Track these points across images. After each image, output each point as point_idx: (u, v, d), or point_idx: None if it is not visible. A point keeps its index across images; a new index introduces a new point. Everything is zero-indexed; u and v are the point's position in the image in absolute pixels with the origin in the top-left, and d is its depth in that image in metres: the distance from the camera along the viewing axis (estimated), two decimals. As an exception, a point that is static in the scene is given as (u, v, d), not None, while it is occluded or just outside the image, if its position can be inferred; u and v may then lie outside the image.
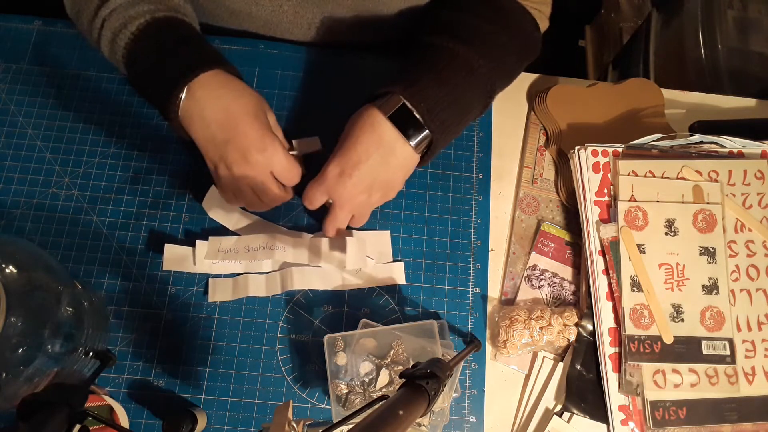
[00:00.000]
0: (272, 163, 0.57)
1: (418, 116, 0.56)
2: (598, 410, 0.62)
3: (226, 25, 0.73)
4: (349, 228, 0.65)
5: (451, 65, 0.58)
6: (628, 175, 0.66)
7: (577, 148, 0.67)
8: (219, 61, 0.57)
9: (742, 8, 1.11)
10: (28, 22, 0.74)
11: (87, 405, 0.49)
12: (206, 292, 0.64)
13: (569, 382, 0.63)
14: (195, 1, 0.68)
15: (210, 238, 0.65)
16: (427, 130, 0.56)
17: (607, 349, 0.63)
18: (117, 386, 0.61)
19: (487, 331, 0.65)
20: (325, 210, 0.62)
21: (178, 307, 0.64)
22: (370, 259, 0.66)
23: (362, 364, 0.58)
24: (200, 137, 0.56)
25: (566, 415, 0.62)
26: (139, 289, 0.64)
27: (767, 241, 0.66)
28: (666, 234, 0.65)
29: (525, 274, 0.68)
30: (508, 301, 0.67)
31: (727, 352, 0.62)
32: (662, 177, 0.67)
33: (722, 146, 0.68)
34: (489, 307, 0.66)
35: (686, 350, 0.62)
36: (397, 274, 0.66)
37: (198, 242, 0.65)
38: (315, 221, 0.68)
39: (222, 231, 0.66)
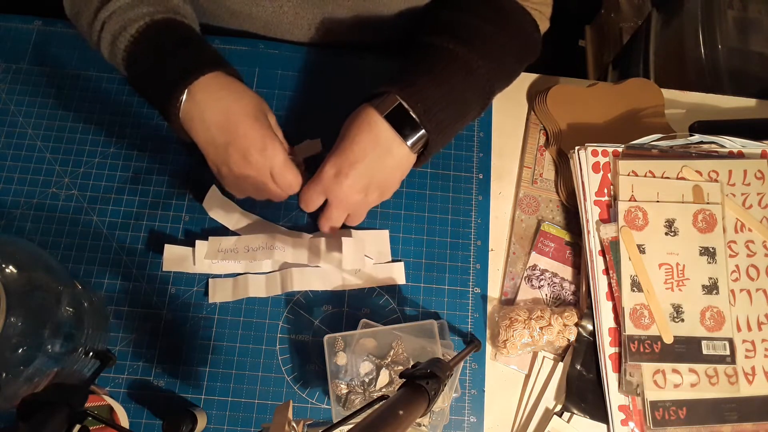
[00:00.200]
0: (272, 164, 0.57)
1: (414, 116, 0.56)
2: (598, 410, 0.62)
3: (227, 26, 0.73)
4: (347, 227, 0.65)
5: (450, 66, 0.58)
6: (628, 175, 0.66)
7: (577, 148, 0.67)
8: (219, 63, 0.57)
9: (742, 8, 1.11)
10: (28, 22, 0.74)
11: (87, 405, 0.49)
12: (206, 292, 0.64)
13: (569, 382, 0.63)
14: (195, 1, 0.68)
15: (210, 238, 0.65)
16: (423, 130, 0.56)
17: (607, 349, 0.63)
18: (117, 386, 0.61)
19: (487, 331, 0.65)
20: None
21: (178, 307, 0.64)
22: (369, 259, 0.66)
23: (362, 364, 0.58)
24: (201, 140, 0.56)
25: (566, 415, 0.62)
26: (139, 289, 0.64)
27: (767, 241, 0.66)
28: (666, 234, 0.65)
29: (525, 274, 0.68)
30: (508, 301, 0.67)
31: (727, 352, 0.62)
32: (662, 177, 0.67)
33: (722, 146, 0.68)
34: (489, 307, 0.66)
35: (686, 350, 0.62)
36: (397, 274, 0.66)
37: (198, 242, 0.65)
38: (315, 221, 0.68)
39: (222, 231, 0.66)
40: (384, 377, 0.58)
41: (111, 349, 0.62)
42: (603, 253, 0.65)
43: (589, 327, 0.64)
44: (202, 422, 0.58)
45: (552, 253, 0.68)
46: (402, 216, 0.69)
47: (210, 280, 0.64)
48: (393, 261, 0.67)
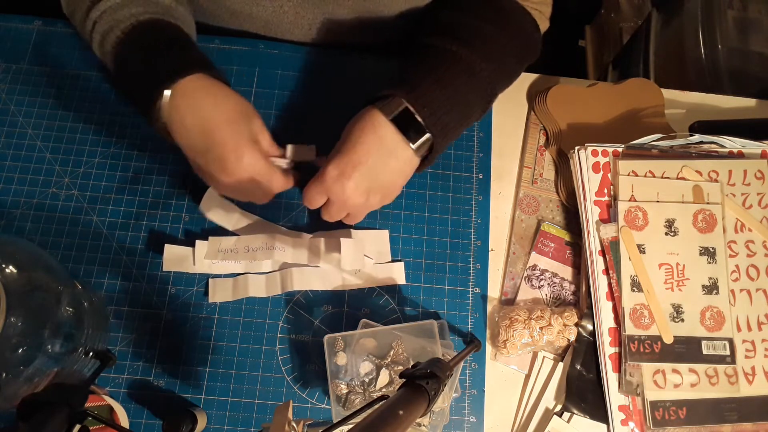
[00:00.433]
0: (252, 171, 0.56)
1: (420, 120, 0.55)
2: (598, 410, 0.62)
3: (227, 26, 0.73)
4: (347, 227, 0.65)
5: (453, 68, 0.58)
6: (628, 175, 0.66)
7: (577, 148, 0.67)
8: (202, 65, 0.56)
9: (742, 8, 1.11)
10: (28, 22, 0.74)
11: (87, 405, 0.49)
12: (206, 292, 0.64)
13: (569, 382, 0.63)
14: (195, 1, 0.68)
15: (210, 238, 0.65)
16: (428, 134, 0.56)
17: (607, 349, 0.63)
18: (117, 386, 0.61)
19: (487, 331, 0.66)
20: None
21: (178, 307, 0.64)
22: (369, 259, 0.66)
23: (362, 364, 0.58)
24: (183, 145, 0.56)
25: (566, 415, 0.62)
26: (139, 289, 0.64)
27: (767, 241, 0.66)
28: (666, 234, 0.65)
29: (525, 274, 0.68)
30: (508, 301, 0.67)
31: (727, 352, 0.62)
32: (662, 177, 0.67)
33: (722, 146, 0.68)
34: (489, 307, 0.66)
35: (686, 350, 0.62)
36: (397, 274, 0.66)
37: (198, 242, 0.65)
38: (315, 221, 0.68)
39: (222, 231, 0.66)
40: (384, 377, 0.58)
41: (111, 349, 0.62)
42: (603, 253, 0.65)
43: (589, 327, 0.64)
44: (202, 422, 0.58)
45: (552, 253, 0.68)
46: (402, 216, 0.69)
47: (210, 280, 0.64)
48: (393, 261, 0.67)
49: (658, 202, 0.66)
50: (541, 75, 0.77)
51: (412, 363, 0.49)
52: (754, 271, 0.65)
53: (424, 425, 0.58)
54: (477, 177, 0.71)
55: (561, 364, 0.64)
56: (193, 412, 0.57)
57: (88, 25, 0.58)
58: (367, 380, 0.58)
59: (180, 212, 0.67)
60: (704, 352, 0.62)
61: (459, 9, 0.62)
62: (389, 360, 0.59)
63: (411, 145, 0.56)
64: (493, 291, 0.67)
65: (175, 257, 0.64)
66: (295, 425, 0.41)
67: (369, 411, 0.40)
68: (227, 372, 0.62)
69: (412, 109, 0.55)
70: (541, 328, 0.63)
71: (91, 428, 0.49)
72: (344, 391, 0.58)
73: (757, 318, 0.64)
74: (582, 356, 0.64)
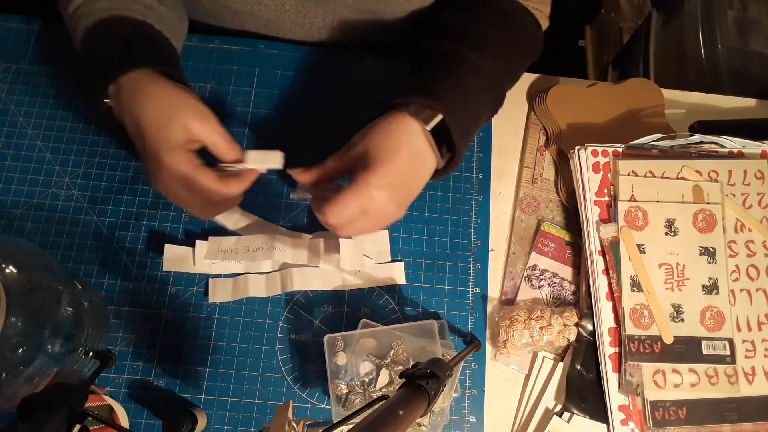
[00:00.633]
0: (174, 178, 0.52)
1: (453, 138, 0.54)
2: (598, 410, 0.62)
3: (228, 25, 0.73)
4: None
5: (478, 85, 0.57)
6: (628, 175, 0.66)
7: (577, 148, 0.67)
8: (150, 61, 0.54)
9: (742, 8, 1.11)
10: (28, 22, 0.74)
11: (87, 405, 0.49)
12: (206, 292, 0.64)
13: (569, 382, 0.63)
14: (196, 1, 0.68)
15: (210, 238, 0.65)
16: (456, 149, 0.55)
17: (607, 349, 0.63)
18: (117, 386, 0.61)
19: (487, 331, 0.65)
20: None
21: (178, 307, 0.64)
22: (369, 259, 0.66)
23: (362, 364, 0.58)
24: (132, 141, 0.55)
25: (566, 415, 0.62)
26: (139, 289, 0.64)
27: (767, 241, 0.66)
28: (666, 234, 0.65)
29: (525, 274, 0.68)
30: (508, 301, 0.67)
31: (727, 352, 0.62)
32: (662, 177, 0.67)
33: (722, 146, 0.68)
34: (489, 307, 0.66)
35: (686, 350, 0.62)
36: (397, 274, 0.66)
37: (198, 242, 0.65)
38: (315, 222, 0.67)
39: (222, 231, 0.66)
40: (384, 377, 0.58)
41: (111, 349, 0.62)
42: (603, 253, 0.65)
43: (589, 327, 0.64)
44: (202, 422, 0.58)
45: (552, 253, 0.68)
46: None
47: (210, 280, 0.64)
48: (393, 261, 0.67)
49: (658, 202, 0.66)
50: (541, 75, 0.77)
51: (412, 363, 0.49)
52: (754, 271, 0.65)
53: (424, 425, 0.58)
54: (477, 177, 0.71)
55: (561, 364, 0.64)
56: (193, 412, 0.57)
57: (66, 20, 0.59)
58: (367, 380, 0.58)
59: (180, 212, 0.67)
60: (704, 352, 0.62)
61: (463, 10, 0.62)
62: (389, 360, 0.59)
63: (440, 157, 0.55)
64: (493, 291, 0.67)
65: (175, 257, 0.64)
66: (295, 425, 0.41)
67: (369, 411, 0.40)
68: (227, 372, 0.62)
69: (447, 123, 0.54)
70: (541, 328, 0.63)
71: (91, 428, 0.49)
72: (344, 391, 0.58)
73: (757, 318, 0.64)
74: (582, 356, 0.64)
